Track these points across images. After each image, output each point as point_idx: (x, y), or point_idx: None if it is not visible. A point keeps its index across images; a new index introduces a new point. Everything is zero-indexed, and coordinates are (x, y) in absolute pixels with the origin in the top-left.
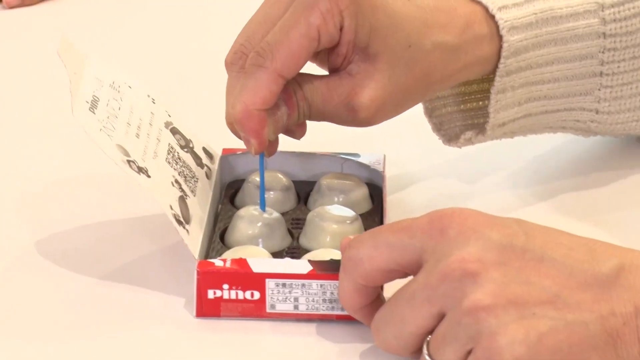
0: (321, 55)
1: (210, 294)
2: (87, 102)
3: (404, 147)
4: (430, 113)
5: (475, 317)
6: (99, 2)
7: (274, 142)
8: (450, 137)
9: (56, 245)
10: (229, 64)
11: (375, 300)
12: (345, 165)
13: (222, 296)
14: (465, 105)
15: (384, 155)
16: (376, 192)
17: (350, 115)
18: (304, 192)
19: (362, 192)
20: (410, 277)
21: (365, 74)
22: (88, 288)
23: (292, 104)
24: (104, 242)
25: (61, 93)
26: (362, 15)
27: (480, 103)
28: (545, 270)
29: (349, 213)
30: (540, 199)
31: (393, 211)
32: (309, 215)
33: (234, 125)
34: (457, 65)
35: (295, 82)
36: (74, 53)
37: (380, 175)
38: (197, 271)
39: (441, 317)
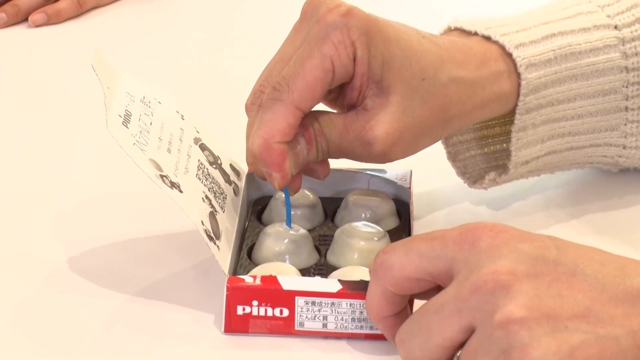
0: (340, 100)
1: (239, 310)
2: (120, 116)
3: (431, 163)
4: (453, 158)
5: (507, 330)
6: (124, 19)
7: (297, 178)
8: (475, 179)
9: (89, 262)
10: (249, 106)
11: (402, 312)
12: (372, 182)
13: (251, 312)
14: (489, 148)
15: (410, 171)
16: (403, 208)
17: (366, 150)
18: (331, 209)
19: (388, 208)
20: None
21: (379, 107)
22: (120, 305)
23: (310, 139)
24: (136, 259)
25: (91, 109)
26: (374, 47)
27: (505, 145)
28: (578, 284)
29: (377, 230)
30: (572, 217)
31: (420, 227)
32: (337, 232)
33: (255, 161)
34: (474, 100)
35: (313, 117)
36: (108, 67)
37: (406, 191)
38: (227, 287)
39: (470, 330)
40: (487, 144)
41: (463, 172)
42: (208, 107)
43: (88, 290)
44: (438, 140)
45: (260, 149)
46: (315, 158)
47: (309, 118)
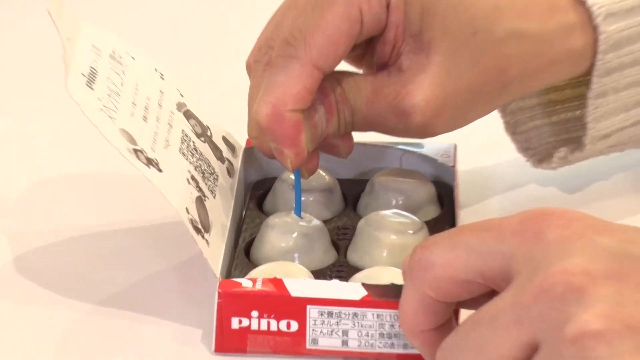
0: (367, 57)
1: (235, 324)
2: (84, 74)
3: (482, 135)
4: (513, 129)
5: (581, 347)
6: None
7: (313, 156)
8: (540, 157)
9: (40, 263)
10: (252, 64)
11: (445, 325)
12: (405, 159)
13: (249, 326)
14: (558, 116)
15: (455, 146)
16: (445, 193)
17: (401, 121)
18: (352, 194)
19: (427, 192)
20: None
21: (418, 68)
22: (81, 317)
23: (330, 107)
24: (102, 258)
25: (46, 63)
26: None
27: (578, 113)
28: None
29: (412, 220)
30: None
31: (468, 217)
32: (360, 224)
33: (261, 135)
34: (539, 60)
35: (334, 79)
36: (68, 14)
37: (450, 170)
38: (219, 293)
39: (534, 347)
40: (555, 111)
41: (525, 148)
42: (195, 63)
43: (39, 298)
44: (492, 111)
45: (268, 119)
46: (337, 131)
47: (329, 81)
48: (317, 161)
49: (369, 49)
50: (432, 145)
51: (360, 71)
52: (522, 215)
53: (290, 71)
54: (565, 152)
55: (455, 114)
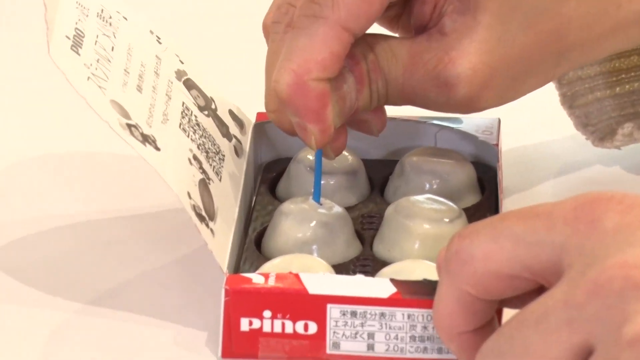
0: (404, 18)
1: (244, 325)
2: (68, 37)
3: (530, 108)
4: (570, 102)
5: None
6: None
7: (341, 134)
8: (602, 134)
9: (20, 257)
10: (270, 25)
11: (486, 327)
12: (441, 136)
13: (261, 328)
14: (622, 87)
15: (499, 120)
16: (487, 176)
17: (443, 93)
18: (379, 177)
19: (466, 175)
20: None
21: (464, 31)
22: (70, 317)
23: (361, 76)
24: (93, 251)
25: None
26: None
27: None
28: None
29: (448, 206)
30: None
31: (513, 204)
32: (388, 211)
33: (281, 108)
34: (604, 23)
35: (365, 44)
36: None
37: (493, 150)
38: (226, 290)
39: (587, 350)
40: (619, 81)
41: (584, 124)
42: (197, 24)
43: (20, 297)
44: (547, 83)
45: (289, 89)
46: (368, 105)
47: (359, 45)
48: (344, 139)
49: (406, 9)
50: (471, 121)
51: (396, 35)
52: (576, 201)
53: (315, 33)
54: (631, 128)
55: (505, 85)
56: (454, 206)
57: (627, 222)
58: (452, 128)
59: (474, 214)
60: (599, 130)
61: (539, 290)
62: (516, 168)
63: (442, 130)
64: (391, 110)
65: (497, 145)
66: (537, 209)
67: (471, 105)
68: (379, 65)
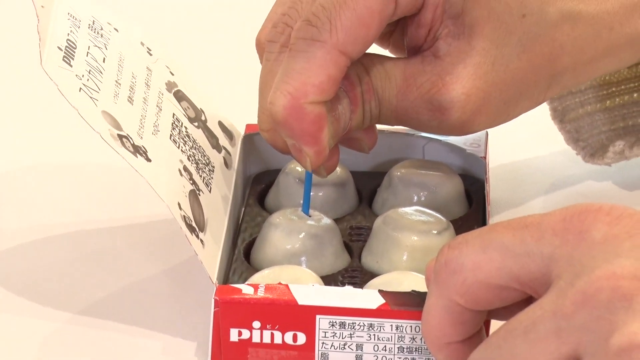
0: (395, 36)
1: (234, 335)
2: (60, 48)
3: (519, 121)
4: (561, 117)
5: None
6: None
7: (334, 153)
8: (593, 149)
9: (10, 267)
10: (265, 44)
11: (474, 337)
12: (429, 148)
13: (250, 338)
14: (613, 100)
15: (486, 134)
16: (475, 188)
17: (436, 117)
18: (367, 189)
19: (453, 187)
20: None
21: (458, 55)
22: (59, 327)
23: (355, 98)
24: (82, 260)
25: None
26: None
27: (635, 95)
28: None
29: (436, 218)
30: None
31: (500, 215)
32: (376, 223)
33: (274, 127)
34: (597, 46)
35: (360, 64)
36: None
37: (480, 162)
38: (216, 301)
39: None
40: (610, 94)
41: (575, 139)
42: (187, 36)
43: (11, 307)
44: (539, 104)
45: (286, 112)
46: (360, 124)
47: (354, 67)
48: (337, 158)
49: (398, 27)
50: None
51: (387, 52)
52: (564, 212)
53: (312, 57)
54: (623, 146)
55: (498, 109)
56: (442, 218)
57: (615, 233)
58: (440, 140)
59: (461, 225)
60: (590, 145)
61: (527, 301)
62: (503, 181)
63: (430, 143)
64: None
65: (484, 158)
66: (525, 220)
67: (464, 129)
68: (373, 87)
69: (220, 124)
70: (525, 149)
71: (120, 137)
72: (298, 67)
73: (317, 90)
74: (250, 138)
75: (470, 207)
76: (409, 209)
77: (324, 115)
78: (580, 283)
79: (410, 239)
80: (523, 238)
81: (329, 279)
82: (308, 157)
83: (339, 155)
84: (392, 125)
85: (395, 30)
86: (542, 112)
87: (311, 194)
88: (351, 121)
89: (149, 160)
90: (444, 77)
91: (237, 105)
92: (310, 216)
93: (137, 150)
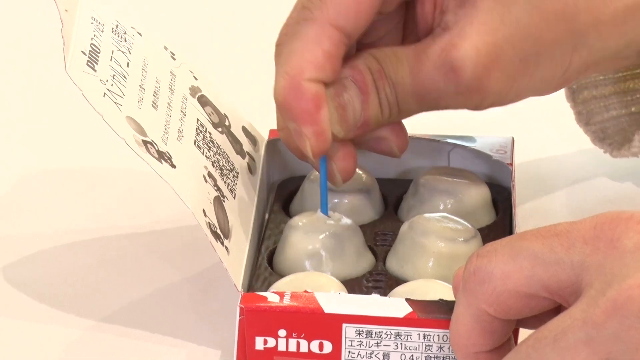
0: (409, 25)
1: (259, 344)
2: (84, 53)
3: (545, 126)
4: (586, 120)
5: None
6: None
7: (348, 156)
8: (620, 144)
9: (31, 273)
10: (277, 47)
11: (504, 346)
12: (454, 155)
13: (276, 347)
14: (638, 106)
15: (512, 139)
16: (501, 196)
17: (451, 80)
18: (393, 196)
19: (480, 195)
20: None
21: (465, 19)
22: (81, 335)
23: (364, 86)
24: (104, 267)
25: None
26: None
27: None
28: None
29: (464, 225)
30: None
31: (528, 223)
32: (403, 228)
33: (281, 113)
34: (615, 6)
35: (369, 55)
36: None
37: (507, 169)
38: (241, 309)
39: None
40: (634, 100)
41: (601, 139)
42: (210, 40)
43: (32, 315)
44: (567, 69)
45: (285, 92)
46: (379, 114)
47: (362, 57)
48: (351, 161)
49: (409, 16)
50: (485, 139)
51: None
52: (594, 220)
53: (305, 35)
54: None
55: (514, 66)
56: (470, 226)
57: None
58: (466, 146)
59: (488, 234)
60: (616, 141)
61: (557, 310)
62: (529, 188)
63: (456, 149)
64: (408, 129)
65: (511, 164)
66: (555, 228)
67: (481, 90)
68: (385, 73)
69: (244, 129)
70: (548, 158)
71: (145, 142)
72: (294, 47)
73: (313, 67)
74: (274, 143)
75: (498, 214)
76: (436, 215)
77: (322, 94)
78: (612, 292)
79: (437, 246)
80: (553, 246)
81: (353, 283)
82: (307, 139)
83: (355, 160)
84: (413, 109)
85: (407, 21)
86: (567, 118)
87: (336, 201)
88: (366, 111)
89: (173, 166)
90: (453, 40)
91: (260, 110)
92: (329, 217)
93: (162, 156)
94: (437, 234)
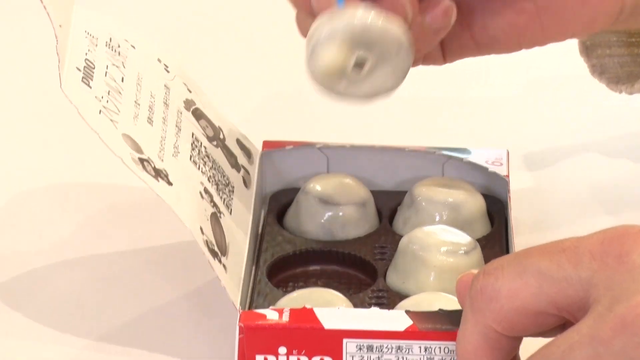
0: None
1: None
2: (79, 69)
3: (537, 137)
4: (601, 70)
5: None
6: None
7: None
8: (618, 78)
9: (26, 291)
10: None
11: None
12: (449, 167)
13: None
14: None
15: (507, 151)
16: (496, 208)
17: None
18: (387, 208)
19: (477, 206)
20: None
21: None
22: (77, 354)
23: None
24: (99, 286)
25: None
26: None
27: None
28: None
29: (463, 238)
30: None
31: (523, 236)
32: (402, 242)
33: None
34: None
35: None
36: None
37: (503, 181)
38: (241, 327)
39: None
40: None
41: (616, 82)
42: (203, 52)
43: (27, 333)
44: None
45: None
46: None
47: None
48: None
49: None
50: (481, 151)
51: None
52: (602, 235)
53: None
54: None
55: None
56: (469, 237)
57: None
58: (461, 158)
59: (484, 245)
60: (617, 76)
61: (564, 326)
62: (525, 200)
63: (450, 161)
64: (398, 141)
65: (507, 176)
66: (562, 244)
67: None
68: None
69: (239, 141)
70: (545, 169)
71: (142, 160)
72: None
73: None
74: (268, 155)
75: (493, 226)
76: (434, 228)
77: None
78: (620, 308)
79: (438, 259)
80: (560, 263)
81: (356, 301)
82: None
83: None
84: None
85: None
86: (557, 129)
87: (330, 214)
88: None
89: (170, 183)
90: None
91: (253, 121)
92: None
93: (159, 173)
94: (437, 248)
